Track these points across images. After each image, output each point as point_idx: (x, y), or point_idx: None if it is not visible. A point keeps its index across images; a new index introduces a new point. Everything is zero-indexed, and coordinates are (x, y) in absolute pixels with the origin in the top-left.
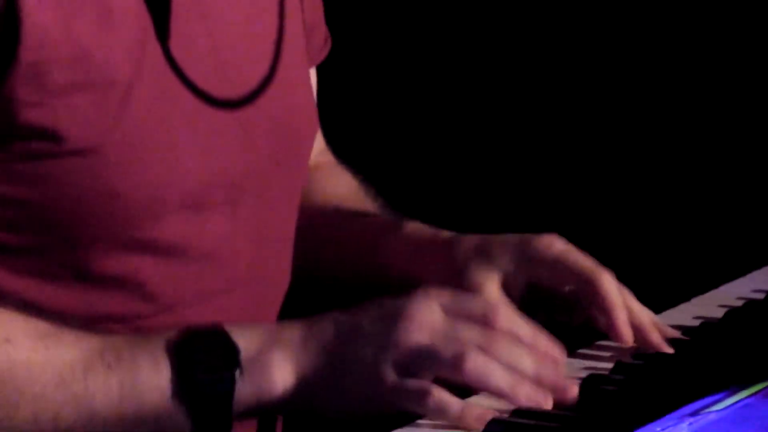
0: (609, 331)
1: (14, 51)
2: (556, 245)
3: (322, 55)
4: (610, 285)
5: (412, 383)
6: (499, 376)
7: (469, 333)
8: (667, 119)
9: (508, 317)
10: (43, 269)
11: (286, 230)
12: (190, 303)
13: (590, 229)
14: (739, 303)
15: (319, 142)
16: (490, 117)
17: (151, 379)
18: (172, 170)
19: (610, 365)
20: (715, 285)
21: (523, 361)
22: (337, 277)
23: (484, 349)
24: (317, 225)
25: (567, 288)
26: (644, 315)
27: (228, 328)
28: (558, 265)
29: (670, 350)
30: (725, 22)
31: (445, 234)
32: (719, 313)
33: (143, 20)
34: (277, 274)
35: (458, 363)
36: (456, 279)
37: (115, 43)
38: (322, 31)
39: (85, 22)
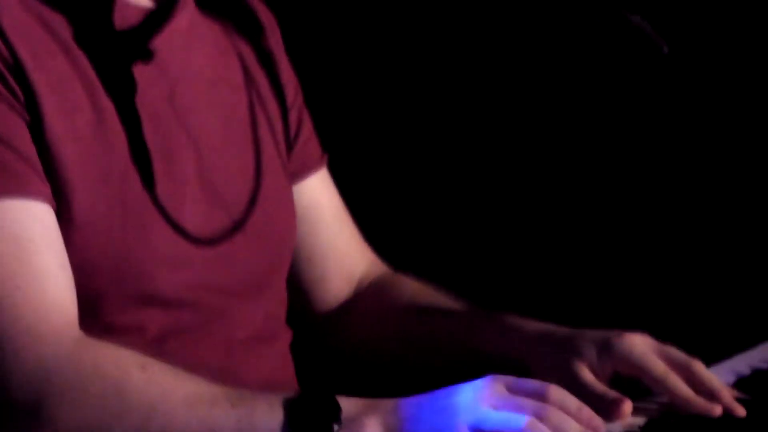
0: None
1: (38, 131)
2: (636, 348)
3: (322, 163)
4: (680, 389)
5: None
6: None
7: (528, 403)
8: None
9: (559, 394)
10: None
11: (277, 304)
12: (188, 345)
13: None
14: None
15: (368, 259)
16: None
17: (266, 420)
18: (162, 259)
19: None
20: (729, 354)
21: (571, 428)
22: (441, 366)
23: (539, 417)
24: (410, 323)
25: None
26: (715, 381)
27: (336, 396)
28: (635, 367)
29: (742, 411)
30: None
31: (553, 330)
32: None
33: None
34: (274, 332)
35: (518, 426)
36: (559, 368)
37: (109, 136)
38: (316, 144)
39: (82, 116)
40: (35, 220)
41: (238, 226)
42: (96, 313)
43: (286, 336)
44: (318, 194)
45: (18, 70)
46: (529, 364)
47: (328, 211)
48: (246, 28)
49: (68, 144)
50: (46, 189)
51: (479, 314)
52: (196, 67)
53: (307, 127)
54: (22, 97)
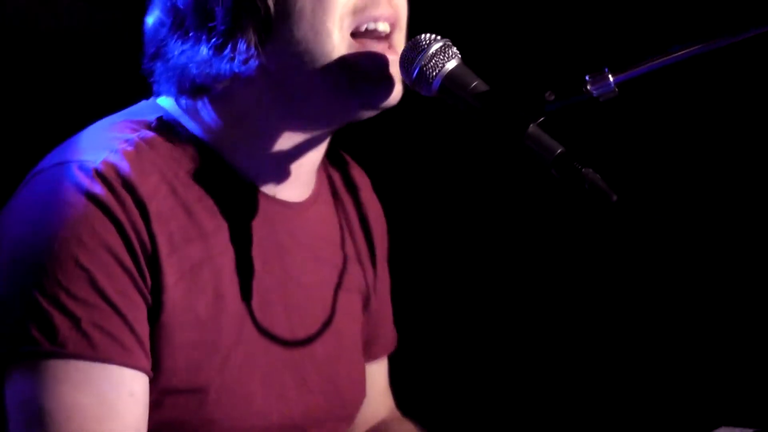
0: None
1: (158, 315)
2: None
3: (390, 349)
4: None
5: None
6: None
7: None
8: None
9: None
10: None
11: None
12: None
13: None
14: None
15: (389, 408)
16: None
17: None
18: (252, 410)
19: None
20: None
21: None
22: None
23: None
24: None
25: None
26: None
27: None
28: None
29: None
30: None
31: None
32: None
33: (242, 304)
34: None
35: None
36: None
37: (223, 317)
38: (390, 329)
39: (204, 301)
40: (125, 387)
41: (315, 336)
42: None
43: None
44: (375, 379)
45: (154, 257)
46: None
47: (377, 388)
48: (349, 183)
49: (185, 331)
50: (146, 362)
51: None
52: (308, 233)
53: (387, 314)
54: (149, 283)
